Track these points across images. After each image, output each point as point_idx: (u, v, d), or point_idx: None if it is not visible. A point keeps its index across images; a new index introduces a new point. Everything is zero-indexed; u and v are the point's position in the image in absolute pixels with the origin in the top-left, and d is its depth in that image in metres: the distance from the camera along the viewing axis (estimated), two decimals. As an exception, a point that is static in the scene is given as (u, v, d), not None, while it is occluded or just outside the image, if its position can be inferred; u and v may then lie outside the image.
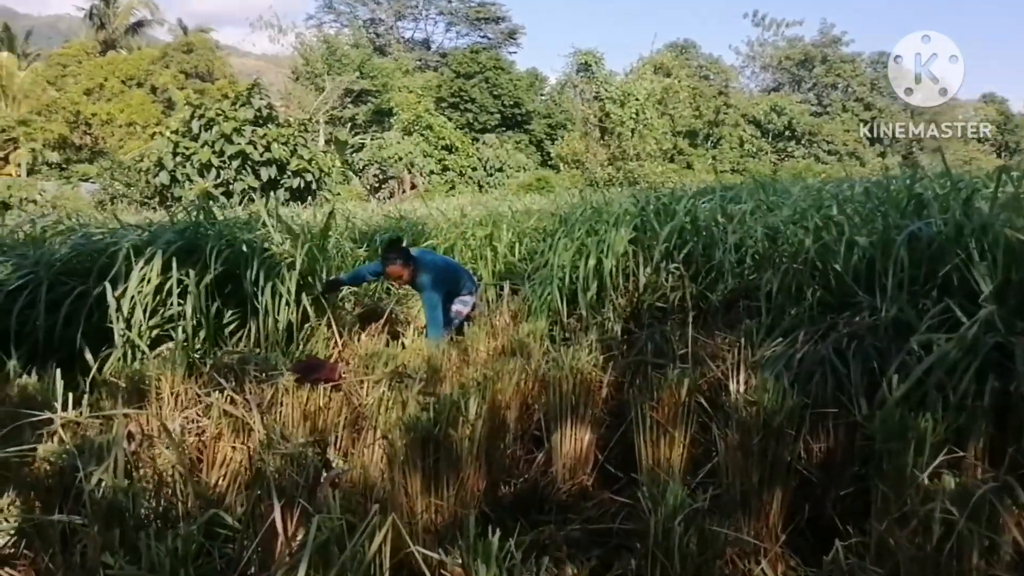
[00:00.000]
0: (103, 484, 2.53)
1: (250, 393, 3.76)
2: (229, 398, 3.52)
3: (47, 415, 3.12)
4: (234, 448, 3.41)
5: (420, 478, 2.81)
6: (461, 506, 2.84)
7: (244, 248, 5.22)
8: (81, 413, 3.20)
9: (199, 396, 3.75)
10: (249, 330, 4.95)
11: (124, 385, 3.71)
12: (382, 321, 5.71)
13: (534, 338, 4.79)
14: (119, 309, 4.54)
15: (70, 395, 3.50)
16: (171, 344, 4.59)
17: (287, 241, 5.63)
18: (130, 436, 3.29)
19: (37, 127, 38.87)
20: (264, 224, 5.83)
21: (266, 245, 5.46)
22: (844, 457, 3.30)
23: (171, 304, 4.63)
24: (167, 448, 3.17)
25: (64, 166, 40.09)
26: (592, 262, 5.18)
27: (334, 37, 46.59)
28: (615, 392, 4.24)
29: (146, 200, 25.97)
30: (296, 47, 45.91)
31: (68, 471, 2.60)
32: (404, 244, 6.09)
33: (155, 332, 4.72)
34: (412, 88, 44.00)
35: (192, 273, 4.70)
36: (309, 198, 23.84)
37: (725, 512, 3.19)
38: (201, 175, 23.40)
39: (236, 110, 23.99)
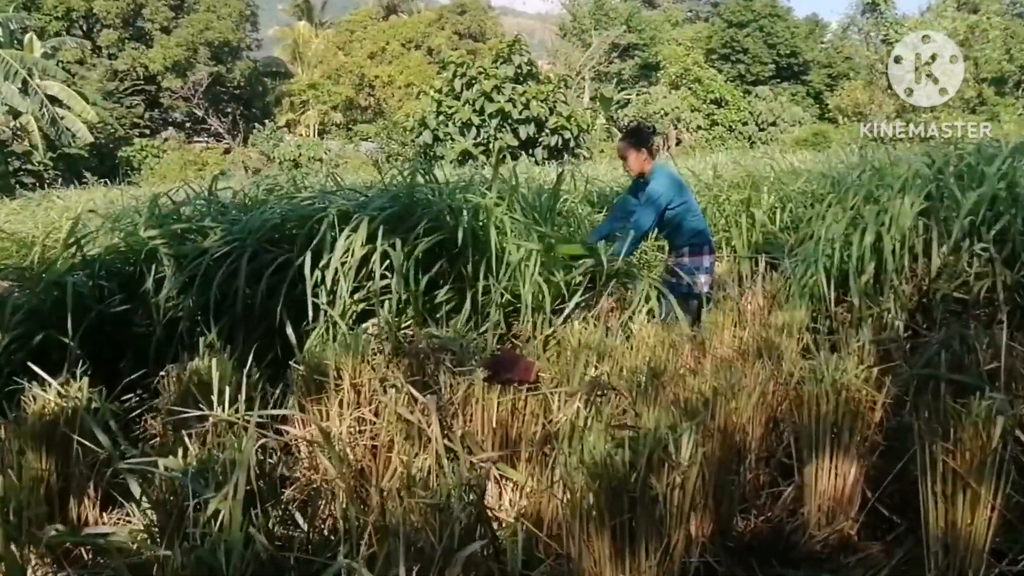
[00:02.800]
0: (221, 515, 2.07)
1: (442, 386, 3.24)
2: (407, 396, 2.99)
3: (203, 412, 2.74)
4: (405, 461, 2.89)
5: (610, 538, 2.10)
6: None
7: (463, 214, 4.71)
8: (237, 410, 2.79)
9: (383, 389, 3.27)
10: (465, 309, 4.45)
11: (303, 373, 3.30)
12: (612, 299, 4.99)
13: (789, 332, 3.89)
14: (322, 282, 4.19)
15: (243, 381, 3.15)
16: (373, 321, 4.19)
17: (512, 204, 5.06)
18: (286, 441, 2.86)
19: (325, 90, 41.74)
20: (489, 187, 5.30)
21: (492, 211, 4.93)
22: None
23: (375, 277, 4.21)
24: (328, 457, 2.70)
25: (350, 126, 42.81)
26: (870, 237, 4.15)
27: (603, -10, 45.84)
28: (893, 412, 3.27)
29: (415, 159, 26.92)
30: (564, 3, 45.69)
31: (181, 493, 2.16)
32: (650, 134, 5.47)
33: (360, 307, 4.34)
34: (681, 40, 42.37)
35: (400, 243, 4.25)
36: (566, 156, 23.47)
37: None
38: (462, 134, 23.74)
39: (497, 68, 24.04)
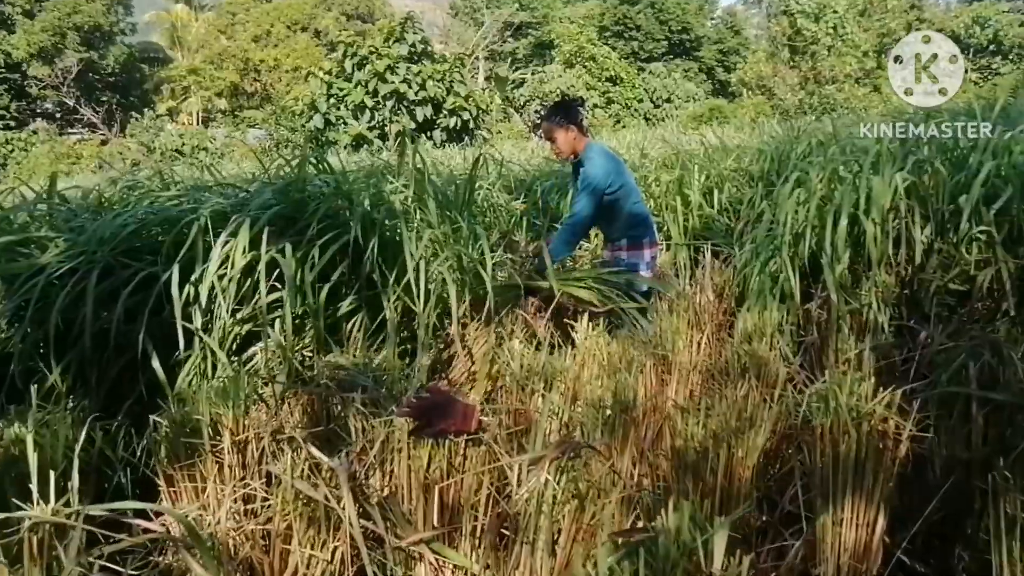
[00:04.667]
0: None
1: (354, 434, 2.52)
2: (305, 466, 2.24)
3: (15, 513, 1.93)
4: (311, 552, 2.15)
5: None
6: None
7: (365, 208, 3.95)
8: (69, 502, 2.00)
9: (276, 447, 2.51)
10: (371, 325, 3.71)
11: (167, 431, 2.51)
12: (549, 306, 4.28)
13: (762, 337, 3.30)
14: (195, 300, 3.38)
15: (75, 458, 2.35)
16: (260, 345, 3.40)
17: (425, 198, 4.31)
18: (151, 539, 2.08)
19: (207, 75, 39.78)
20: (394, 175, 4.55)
21: (397, 204, 4.19)
22: None
23: (262, 292, 3.41)
24: (198, 561, 1.93)
25: (235, 113, 40.98)
26: (844, 221, 3.58)
27: (493, -32, 45.04)
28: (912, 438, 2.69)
29: (306, 145, 25.60)
30: (455, -19, 44.82)
31: None
32: (577, 108, 4.70)
33: (245, 328, 3.55)
34: (573, 18, 42.01)
35: (290, 248, 3.46)
36: (466, 138, 22.66)
37: None
38: (355, 117, 22.63)
39: (389, 47, 22.99)
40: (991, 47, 42.70)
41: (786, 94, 27.70)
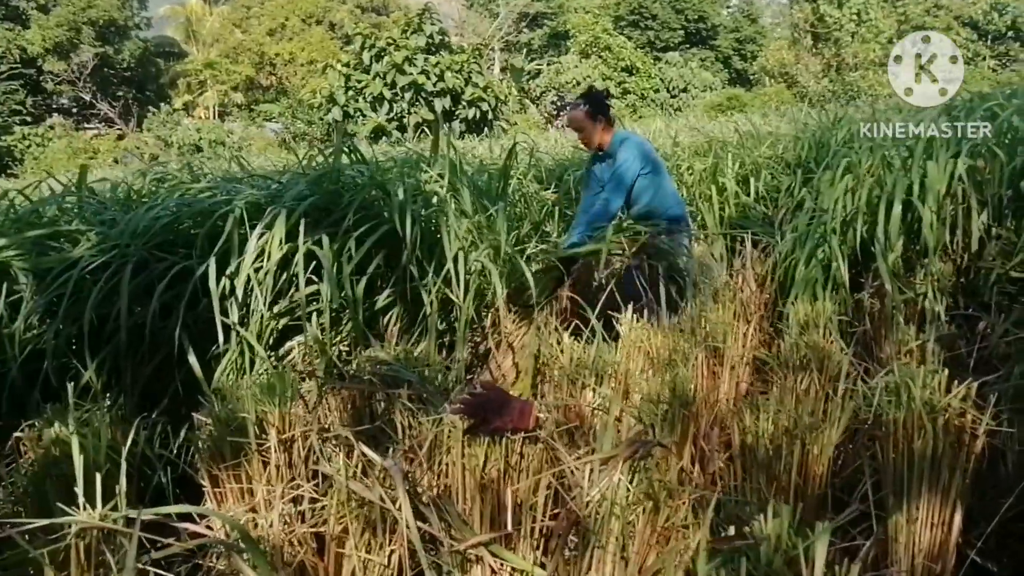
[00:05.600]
0: None
1: (400, 431, 2.43)
2: (358, 464, 2.15)
3: (62, 519, 1.85)
4: (367, 556, 2.06)
5: None
6: None
7: (400, 199, 3.85)
8: (117, 505, 1.91)
9: (321, 449, 2.42)
10: (410, 317, 3.63)
11: (210, 429, 2.42)
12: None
13: (816, 327, 3.18)
14: (231, 294, 3.30)
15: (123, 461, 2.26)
16: (299, 339, 3.33)
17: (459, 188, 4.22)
18: (197, 544, 1.99)
19: (223, 69, 39.78)
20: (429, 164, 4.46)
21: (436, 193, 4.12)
22: None
23: (300, 284, 3.32)
24: (250, 566, 1.85)
25: (252, 107, 40.98)
26: (897, 208, 3.46)
27: (508, -42, 44.82)
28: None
29: (325, 138, 25.55)
30: (470, -28, 44.64)
31: None
32: (605, 99, 4.64)
33: (282, 322, 3.47)
34: (589, 8, 41.72)
35: (327, 240, 3.38)
36: (485, 129, 22.53)
37: None
38: (374, 109, 22.53)
39: (407, 38, 22.86)
40: (1009, 34, 42.15)
41: (809, 81, 27.38)
